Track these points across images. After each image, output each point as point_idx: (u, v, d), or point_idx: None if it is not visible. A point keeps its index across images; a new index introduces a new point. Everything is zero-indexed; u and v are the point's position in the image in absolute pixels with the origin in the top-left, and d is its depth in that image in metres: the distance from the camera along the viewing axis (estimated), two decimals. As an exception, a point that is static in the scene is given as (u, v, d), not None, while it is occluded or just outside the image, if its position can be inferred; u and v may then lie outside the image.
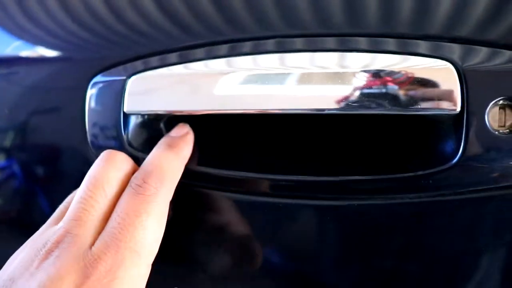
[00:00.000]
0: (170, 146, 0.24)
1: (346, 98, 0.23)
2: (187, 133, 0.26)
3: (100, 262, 0.20)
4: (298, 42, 0.24)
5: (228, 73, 0.24)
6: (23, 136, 0.32)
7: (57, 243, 0.21)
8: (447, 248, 0.24)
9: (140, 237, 0.21)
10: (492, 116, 0.23)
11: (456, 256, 0.25)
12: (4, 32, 0.32)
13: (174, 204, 0.25)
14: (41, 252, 0.21)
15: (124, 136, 0.28)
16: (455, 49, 0.23)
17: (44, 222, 0.25)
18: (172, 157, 0.24)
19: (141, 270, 0.21)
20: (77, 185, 0.29)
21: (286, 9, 0.25)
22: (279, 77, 0.24)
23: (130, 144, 0.28)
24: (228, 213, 0.27)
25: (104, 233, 0.21)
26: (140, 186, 0.22)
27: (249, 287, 0.28)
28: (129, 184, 0.22)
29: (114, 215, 0.21)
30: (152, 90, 0.27)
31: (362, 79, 0.23)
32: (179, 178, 0.24)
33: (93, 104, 0.29)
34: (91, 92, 0.29)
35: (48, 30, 0.30)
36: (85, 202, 0.22)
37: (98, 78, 0.29)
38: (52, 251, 0.21)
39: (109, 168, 0.23)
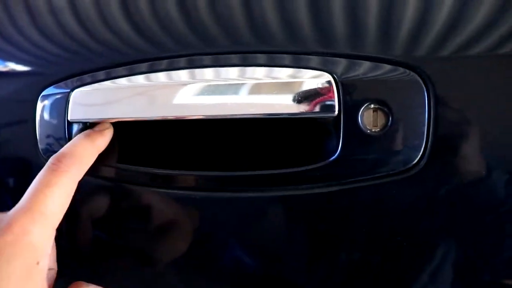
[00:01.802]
0: (87, 135, 0.29)
1: (248, 104, 0.27)
2: (106, 128, 0.30)
3: (11, 221, 0.24)
4: (207, 58, 0.29)
5: (146, 86, 0.29)
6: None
7: None
8: (340, 235, 0.29)
9: (49, 203, 0.25)
10: (367, 118, 0.27)
11: (348, 243, 0.29)
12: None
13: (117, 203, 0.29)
14: None
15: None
16: (334, 62, 0.27)
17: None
18: (87, 145, 0.29)
19: (47, 230, 0.25)
20: (26, 187, 0.33)
21: (196, 29, 0.30)
22: (192, 88, 0.28)
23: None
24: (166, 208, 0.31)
25: (20, 200, 0.25)
26: (54, 164, 0.26)
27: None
28: (46, 163, 0.27)
29: (30, 187, 0.26)
30: (91, 101, 0.31)
31: (263, 88, 0.27)
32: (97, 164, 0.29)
33: (42, 114, 0.33)
34: (40, 104, 0.33)
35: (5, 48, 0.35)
36: None
37: (47, 91, 0.33)
38: None
39: None
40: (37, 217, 0.24)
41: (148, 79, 0.29)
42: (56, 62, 0.33)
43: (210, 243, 0.30)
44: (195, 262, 0.30)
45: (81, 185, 0.27)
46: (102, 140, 0.30)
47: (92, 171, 0.29)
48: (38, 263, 0.24)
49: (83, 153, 0.28)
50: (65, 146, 0.28)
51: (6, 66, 0.35)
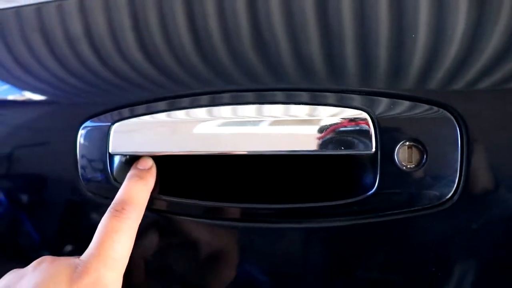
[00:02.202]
0: (139, 177, 0.31)
1: (290, 141, 0.29)
2: (152, 166, 0.32)
3: (87, 265, 0.26)
4: (250, 95, 0.30)
5: (186, 121, 0.30)
6: (20, 169, 0.37)
7: (49, 256, 0.28)
8: (373, 265, 0.30)
9: (117, 248, 0.27)
10: (402, 154, 0.28)
11: (381, 272, 0.30)
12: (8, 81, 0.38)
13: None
14: (29, 268, 0.28)
15: (110, 173, 0.33)
16: (371, 101, 0.28)
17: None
18: (141, 187, 0.30)
19: (118, 274, 0.27)
20: (67, 212, 0.34)
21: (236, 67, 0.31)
22: (234, 124, 0.30)
23: (115, 179, 0.33)
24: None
25: (89, 247, 0.27)
26: (117, 210, 0.29)
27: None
28: (108, 210, 0.29)
29: (96, 233, 0.28)
30: (132, 134, 0.32)
31: (304, 126, 0.29)
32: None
33: (83, 144, 0.34)
34: (81, 133, 0.34)
35: (45, 80, 0.36)
36: None
37: (88, 123, 0.34)
38: (45, 260, 0.28)
39: None
40: (109, 262, 0.26)
41: (189, 115, 0.30)
42: (98, 94, 0.35)
43: (254, 273, 0.31)
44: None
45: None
46: (152, 179, 0.31)
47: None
48: None
49: (140, 196, 0.30)
50: (121, 191, 0.30)
51: (48, 96, 0.36)
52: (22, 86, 0.37)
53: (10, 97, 0.37)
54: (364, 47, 0.29)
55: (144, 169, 0.32)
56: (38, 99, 0.37)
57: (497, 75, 0.28)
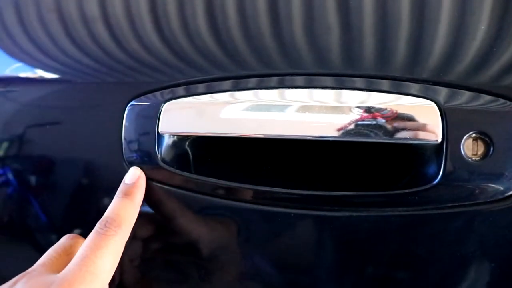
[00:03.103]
0: (126, 195, 0.31)
1: (351, 127, 0.28)
2: (138, 178, 0.32)
3: (63, 282, 0.26)
4: (306, 79, 0.29)
5: (244, 102, 0.29)
6: (61, 150, 0.36)
7: (26, 274, 0.28)
8: (433, 257, 0.29)
9: (98, 264, 0.27)
10: (467, 146, 0.28)
11: (440, 264, 0.29)
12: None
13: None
14: (9, 283, 0.28)
15: (158, 154, 0.32)
16: (438, 91, 0.28)
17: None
18: (127, 205, 0.30)
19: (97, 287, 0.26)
20: (109, 196, 0.33)
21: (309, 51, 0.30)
22: (294, 109, 0.29)
23: (163, 160, 0.32)
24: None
25: (70, 262, 0.27)
26: (102, 229, 0.29)
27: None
28: (94, 228, 0.29)
29: (80, 249, 0.28)
30: (183, 114, 0.31)
31: (369, 113, 0.28)
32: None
33: (129, 124, 0.33)
34: (128, 114, 0.33)
35: (97, 57, 0.35)
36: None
37: (136, 101, 0.33)
38: (20, 279, 0.27)
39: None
40: (88, 277, 0.26)
41: (240, 97, 0.30)
42: (148, 72, 0.34)
43: (303, 261, 0.30)
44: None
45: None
46: (139, 193, 0.31)
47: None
48: None
49: (126, 215, 0.30)
50: (109, 210, 0.30)
51: (97, 74, 0.35)
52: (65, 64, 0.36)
53: (48, 75, 0.36)
54: (435, 35, 0.29)
55: (131, 183, 0.31)
56: (81, 79, 0.36)
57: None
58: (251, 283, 0.32)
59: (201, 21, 0.33)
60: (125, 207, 0.30)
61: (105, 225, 0.29)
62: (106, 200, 0.34)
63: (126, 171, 0.32)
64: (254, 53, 0.31)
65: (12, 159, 0.36)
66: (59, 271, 0.27)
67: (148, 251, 0.34)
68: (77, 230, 0.35)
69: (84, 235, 0.32)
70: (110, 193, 0.34)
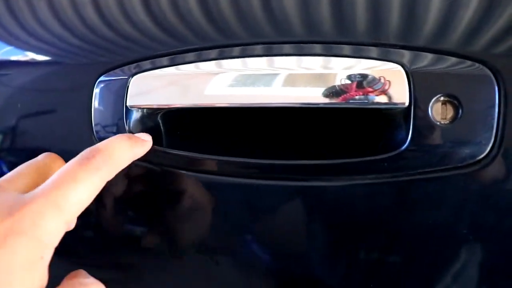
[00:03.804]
0: (129, 138, 0.28)
1: (317, 93, 0.28)
2: (148, 141, 0.30)
3: (26, 206, 0.22)
4: (282, 47, 0.29)
5: (209, 73, 0.29)
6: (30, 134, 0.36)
7: None
8: (404, 226, 0.29)
9: (69, 197, 0.23)
10: (436, 110, 0.27)
11: (412, 233, 0.29)
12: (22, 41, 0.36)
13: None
14: None
15: (126, 128, 0.32)
16: (404, 54, 0.27)
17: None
18: (125, 147, 0.27)
19: (59, 225, 0.23)
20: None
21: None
22: (256, 77, 0.28)
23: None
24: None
25: (39, 187, 0.24)
26: (87, 158, 0.24)
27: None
28: (78, 155, 0.25)
29: (54, 175, 0.24)
30: (151, 87, 0.31)
31: (335, 78, 0.28)
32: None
33: (98, 100, 0.33)
34: (96, 90, 0.33)
35: (61, 37, 0.35)
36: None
37: (103, 77, 0.33)
38: None
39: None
40: (52, 210, 0.22)
41: (211, 66, 0.29)
42: (113, 49, 0.33)
43: (272, 233, 0.30)
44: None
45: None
46: (141, 149, 0.29)
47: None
48: (42, 257, 0.22)
49: (119, 154, 0.26)
50: (102, 142, 0.26)
51: (62, 53, 0.34)
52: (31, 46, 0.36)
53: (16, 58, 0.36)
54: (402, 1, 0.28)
55: (139, 137, 0.29)
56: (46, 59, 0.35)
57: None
58: (224, 257, 0.32)
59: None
60: (122, 146, 0.26)
61: (91, 155, 0.25)
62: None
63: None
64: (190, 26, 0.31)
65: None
66: (25, 192, 0.24)
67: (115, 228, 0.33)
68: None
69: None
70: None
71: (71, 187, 0.23)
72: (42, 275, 0.22)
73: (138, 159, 0.30)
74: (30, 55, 0.36)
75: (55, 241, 0.23)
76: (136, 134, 0.30)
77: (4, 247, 0.21)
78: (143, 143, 0.29)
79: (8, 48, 0.36)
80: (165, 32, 0.32)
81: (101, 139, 0.32)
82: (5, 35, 0.36)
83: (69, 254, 0.34)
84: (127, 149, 0.27)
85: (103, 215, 0.33)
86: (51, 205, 0.22)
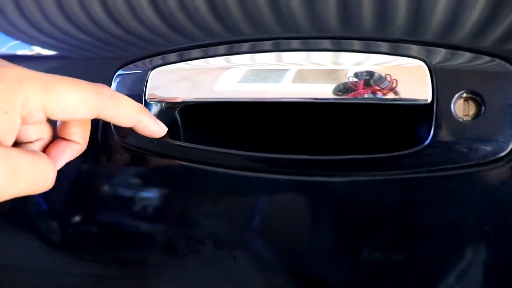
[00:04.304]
0: (143, 108, 0.28)
1: (340, 89, 0.28)
2: (160, 126, 0.29)
3: (20, 69, 0.22)
4: (295, 42, 0.29)
5: (227, 68, 0.29)
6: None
7: None
8: (425, 222, 0.29)
9: (60, 90, 0.23)
10: (458, 107, 0.27)
11: (433, 229, 0.29)
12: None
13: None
14: None
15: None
16: (427, 51, 0.27)
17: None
18: (134, 107, 0.27)
19: (34, 104, 0.22)
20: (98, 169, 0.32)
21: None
22: (272, 73, 0.28)
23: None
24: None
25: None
26: (96, 83, 0.25)
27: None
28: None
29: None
30: (172, 81, 0.31)
31: (353, 74, 0.27)
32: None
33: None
34: (114, 84, 0.33)
35: (79, 31, 0.35)
36: None
37: (121, 71, 0.33)
38: None
39: None
40: (39, 87, 0.22)
41: (230, 61, 0.29)
42: (132, 43, 0.34)
43: (291, 227, 0.30)
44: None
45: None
46: (148, 124, 0.28)
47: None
48: (6, 112, 0.21)
49: (124, 105, 0.26)
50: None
51: (80, 47, 0.35)
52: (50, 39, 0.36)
53: (34, 52, 0.36)
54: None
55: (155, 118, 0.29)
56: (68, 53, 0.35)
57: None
58: (233, 252, 0.32)
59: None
60: (132, 103, 0.27)
61: (102, 85, 0.25)
62: (100, 177, 0.33)
63: (118, 144, 0.32)
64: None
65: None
66: None
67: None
68: (77, 217, 0.34)
69: (84, 221, 0.33)
70: (104, 169, 0.34)
71: (68, 86, 0.23)
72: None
73: (155, 152, 0.31)
74: (49, 50, 0.36)
75: (28, 108, 0.22)
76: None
77: None
78: (153, 121, 0.28)
79: (27, 43, 0.36)
80: (190, 25, 0.32)
81: (118, 133, 0.32)
82: (25, 30, 0.36)
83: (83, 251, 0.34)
84: (134, 110, 0.27)
85: (111, 209, 0.33)
86: (39, 83, 0.22)
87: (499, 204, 0.27)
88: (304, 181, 0.29)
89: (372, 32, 0.28)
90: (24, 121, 0.23)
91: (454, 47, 0.27)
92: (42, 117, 0.23)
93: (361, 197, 0.29)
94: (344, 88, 0.27)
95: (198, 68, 0.31)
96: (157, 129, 0.29)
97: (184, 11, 0.33)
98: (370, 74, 0.27)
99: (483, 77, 0.27)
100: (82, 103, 0.24)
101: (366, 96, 0.27)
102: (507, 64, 0.27)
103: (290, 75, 0.28)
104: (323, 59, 0.28)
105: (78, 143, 0.28)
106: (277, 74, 0.28)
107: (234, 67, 0.29)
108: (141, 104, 0.28)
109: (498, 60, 0.27)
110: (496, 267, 0.28)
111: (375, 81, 0.27)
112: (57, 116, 0.24)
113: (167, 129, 0.29)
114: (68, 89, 0.23)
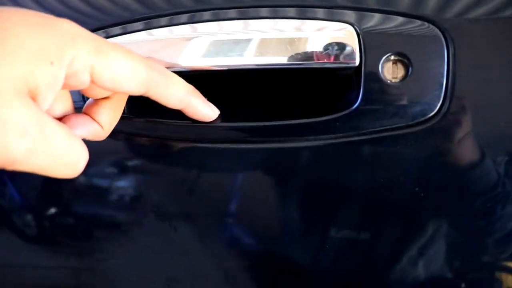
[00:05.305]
0: (195, 90, 0.26)
1: (270, 54, 0.28)
2: (211, 109, 0.27)
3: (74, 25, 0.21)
4: (232, 12, 0.29)
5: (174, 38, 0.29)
6: None
7: None
8: (358, 184, 0.29)
9: (111, 55, 0.21)
10: (387, 69, 0.28)
11: (366, 192, 0.29)
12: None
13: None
14: None
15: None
16: (355, 16, 0.28)
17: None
18: (185, 88, 0.25)
19: (82, 62, 0.20)
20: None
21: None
22: (207, 40, 0.29)
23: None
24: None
25: None
26: (147, 58, 0.25)
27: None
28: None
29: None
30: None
31: (287, 40, 0.28)
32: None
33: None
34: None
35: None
36: None
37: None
38: None
39: None
40: (90, 47, 0.20)
41: (171, 32, 0.30)
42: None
43: (229, 196, 0.30)
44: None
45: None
46: (199, 106, 0.26)
47: None
48: (52, 63, 0.19)
49: (175, 83, 0.25)
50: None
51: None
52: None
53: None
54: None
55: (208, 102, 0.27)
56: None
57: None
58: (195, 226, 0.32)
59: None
60: (183, 83, 0.25)
61: (153, 62, 0.24)
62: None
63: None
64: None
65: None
66: None
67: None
68: (53, 209, 0.35)
69: (61, 213, 0.33)
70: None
71: (120, 53, 0.21)
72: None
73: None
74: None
75: (58, 73, 0.19)
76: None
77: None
78: (204, 104, 0.27)
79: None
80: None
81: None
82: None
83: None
84: (185, 90, 0.25)
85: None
86: (92, 43, 0.20)
87: (428, 163, 0.28)
88: (240, 149, 0.30)
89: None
90: (66, 80, 0.20)
91: (382, 11, 0.28)
92: (87, 81, 0.21)
93: (296, 163, 0.29)
94: (275, 55, 0.28)
95: (144, 40, 0.31)
96: (209, 112, 0.27)
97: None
98: (299, 39, 0.28)
99: (410, 40, 0.27)
100: (133, 74, 0.22)
101: (296, 62, 0.28)
102: (433, 27, 0.27)
103: (223, 46, 0.28)
104: (253, 26, 0.28)
105: (101, 126, 0.25)
106: (195, 41, 0.29)
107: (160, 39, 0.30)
108: (192, 85, 0.26)
109: (424, 23, 0.27)
110: (428, 226, 0.28)
111: (305, 46, 0.28)
112: (104, 82, 0.21)
113: (219, 112, 0.28)
114: (121, 56, 0.22)
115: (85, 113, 0.25)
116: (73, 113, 0.24)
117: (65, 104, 0.24)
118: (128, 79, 0.22)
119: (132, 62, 0.22)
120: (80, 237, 0.34)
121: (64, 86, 0.21)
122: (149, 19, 0.31)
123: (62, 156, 0.20)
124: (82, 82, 0.21)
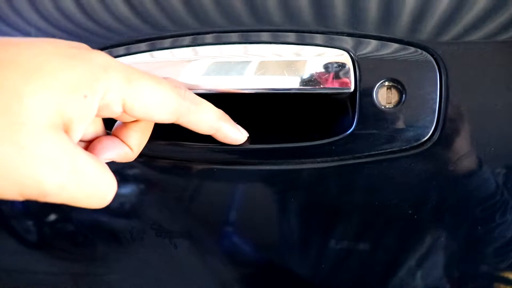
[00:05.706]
0: (223, 114, 0.26)
1: (266, 80, 0.29)
2: (240, 132, 0.28)
3: (107, 57, 0.21)
4: (235, 36, 0.30)
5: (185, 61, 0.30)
6: None
7: None
8: (352, 207, 0.30)
9: (140, 83, 0.22)
10: (381, 95, 0.28)
11: (360, 214, 0.30)
12: None
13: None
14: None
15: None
16: (350, 42, 0.29)
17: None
18: (215, 113, 0.26)
19: (114, 92, 0.21)
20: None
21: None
22: (217, 64, 0.29)
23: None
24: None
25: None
26: (178, 86, 0.24)
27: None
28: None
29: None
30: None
31: (282, 65, 0.29)
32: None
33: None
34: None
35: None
36: None
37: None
38: None
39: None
40: (121, 77, 0.21)
41: (178, 54, 0.30)
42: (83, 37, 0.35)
43: (229, 215, 0.31)
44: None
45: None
46: (228, 129, 0.27)
47: None
48: (86, 96, 0.19)
49: (205, 110, 0.25)
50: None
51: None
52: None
53: None
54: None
55: (236, 125, 0.28)
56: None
57: (479, 24, 0.28)
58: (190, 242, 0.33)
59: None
60: (213, 109, 0.25)
61: (184, 89, 0.24)
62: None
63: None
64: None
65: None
66: None
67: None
68: (53, 215, 0.35)
69: (61, 220, 0.33)
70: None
71: (152, 83, 0.22)
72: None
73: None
74: None
75: (93, 100, 0.20)
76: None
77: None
78: (233, 129, 0.27)
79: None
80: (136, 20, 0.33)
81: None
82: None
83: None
84: (215, 116, 0.25)
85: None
86: (124, 74, 0.21)
87: (420, 187, 0.28)
88: (238, 170, 0.30)
89: (296, 25, 0.29)
90: (99, 112, 0.21)
91: (377, 38, 0.28)
92: (119, 112, 0.21)
93: (290, 186, 0.30)
94: (270, 80, 0.29)
95: (147, 61, 0.32)
96: (238, 136, 0.27)
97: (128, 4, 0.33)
98: (296, 64, 0.28)
99: (403, 66, 0.28)
100: (164, 104, 0.22)
101: (291, 87, 0.28)
102: (425, 53, 0.28)
103: (221, 68, 0.29)
104: (252, 51, 0.29)
105: (131, 148, 0.25)
106: (196, 65, 0.29)
107: (186, 60, 0.30)
108: (221, 110, 0.26)
109: (418, 50, 0.28)
110: (420, 247, 0.29)
111: (302, 71, 0.28)
112: (136, 112, 0.22)
113: (247, 134, 0.28)
114: (152, 86, 0.22)
115: (115, 135, 0.25)
116: (103, 135, 0.25)
117: (96, 127, 0.24)
118: (159, 109, 0.22)
119: (163, 92, 0.22)
120: (80, 246, 0.35)
121: (96, 115, 0.21)
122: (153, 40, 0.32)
123: (92, 188, 0.20)
124: (114, 113, 0.21)
